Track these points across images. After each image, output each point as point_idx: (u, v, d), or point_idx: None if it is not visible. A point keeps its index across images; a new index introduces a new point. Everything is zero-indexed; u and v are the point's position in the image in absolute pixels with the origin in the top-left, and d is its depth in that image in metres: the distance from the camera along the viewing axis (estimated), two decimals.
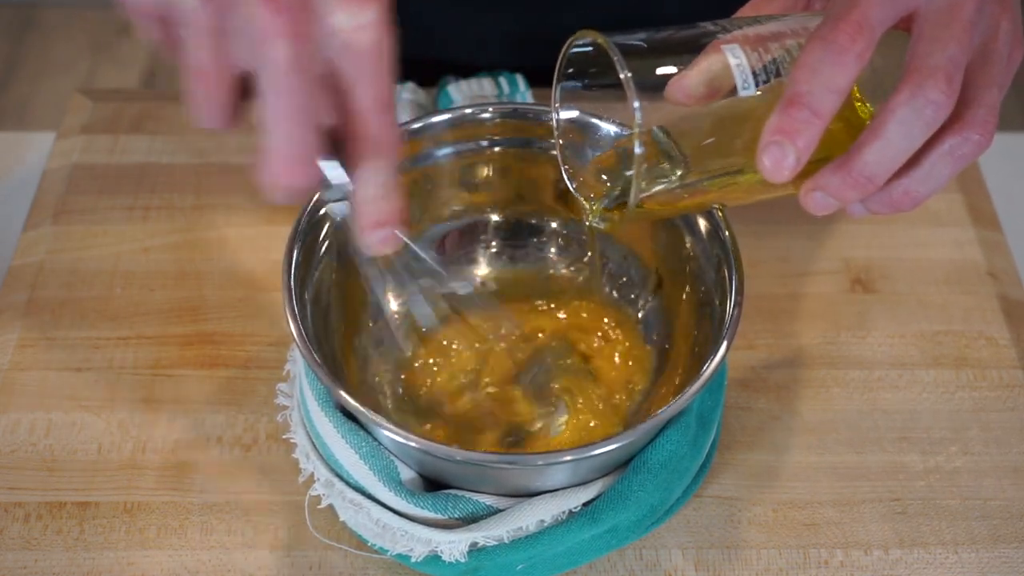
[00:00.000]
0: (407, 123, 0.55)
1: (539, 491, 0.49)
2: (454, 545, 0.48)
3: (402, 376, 0.56)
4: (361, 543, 0.51)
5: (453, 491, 0.49)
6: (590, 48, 0.44)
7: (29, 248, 0.66)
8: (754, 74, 0.41)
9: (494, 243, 0.60)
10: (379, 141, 0.38)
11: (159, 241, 0.66)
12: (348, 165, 0.39)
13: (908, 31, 0.41)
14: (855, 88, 0.43)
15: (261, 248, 0.66)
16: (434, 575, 0.50)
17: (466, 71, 0.71)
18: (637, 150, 0.40)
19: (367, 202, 0.40)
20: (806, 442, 0.58)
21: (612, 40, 0.41)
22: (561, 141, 0.50)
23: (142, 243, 0.66)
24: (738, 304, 0.49)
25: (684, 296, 0.55)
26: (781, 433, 0.58)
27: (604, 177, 0.49)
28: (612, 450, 0.45)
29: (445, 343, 0.57)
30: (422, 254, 0.50)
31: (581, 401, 0.55)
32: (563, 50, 0.45)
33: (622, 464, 0.49)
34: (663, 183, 0.42)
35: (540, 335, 0.58)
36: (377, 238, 0.40)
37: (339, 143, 0.39)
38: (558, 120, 0.49)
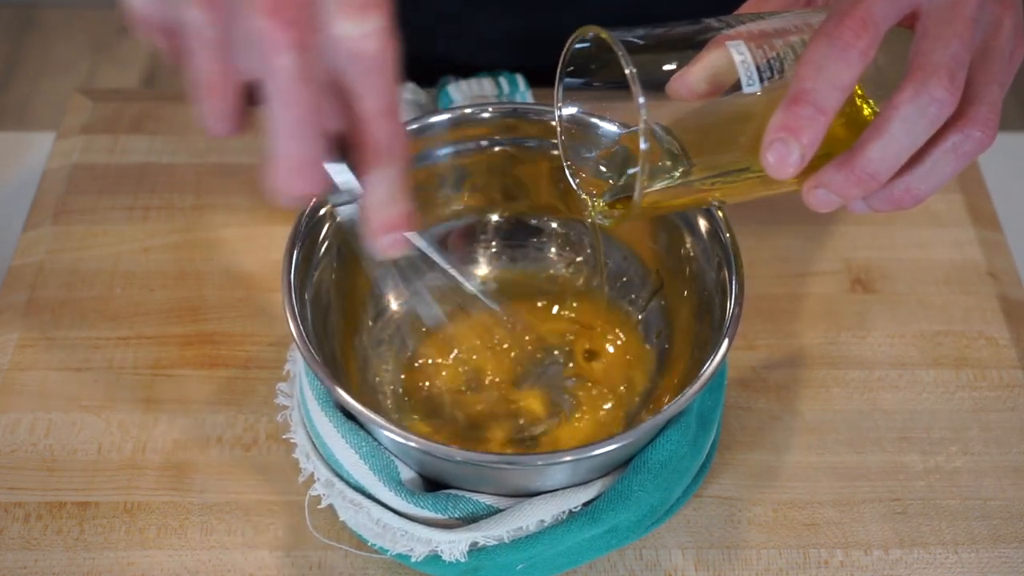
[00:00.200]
0: (407, 123, 0.55)
1: (539, 491, 0.48)
2: (454, 545, 0.48)
3: (402, 376, 0.56)
4: (361, 543, 0.51)
5: (453, 491, 0.49)
6: (591, 45, 0.44)
7: (29, 248, 0.66)
8: (758, 70, 0.41)
9: (494, 243, 0.60)
10: (387, 147, 0.39)
11: (159, 241, 0.66)
12: (356, 169, 0.39)
13: (911, 28, 0.41)
14: (856, 85, 0.43)
15: (261, 248, 0.66)
16: (434, 575, 0.50)
17: (466, 71, 0.71)
18: (643, 145, 0.40)
19: (377, 207, 0.40)
20: (806, 442, 0.58)
21: (616, 36, 0.41)
22: (563, 138, 0.50)
23: (142, 243, 0.66)
24: (738, 304, 0.49)
25: (684, 296, 0.55)
26: (781, 433, 0.58)
27: (607, 173, 0.49)
28: (612, 450, 0.45)
29: (447, 343, 0.57)
30: (434, 255, 0.50)
31: (581, 401, 0.55)
32: (566, 46, 0.45)
33: (622, 464, 0.49)
34: (666, 179, 0.42)
35: (540, 335, 0.58)
36: (387, 242, 0.41)
37: (346, 146, 0.39)
38: (560, 117, 0.49)
